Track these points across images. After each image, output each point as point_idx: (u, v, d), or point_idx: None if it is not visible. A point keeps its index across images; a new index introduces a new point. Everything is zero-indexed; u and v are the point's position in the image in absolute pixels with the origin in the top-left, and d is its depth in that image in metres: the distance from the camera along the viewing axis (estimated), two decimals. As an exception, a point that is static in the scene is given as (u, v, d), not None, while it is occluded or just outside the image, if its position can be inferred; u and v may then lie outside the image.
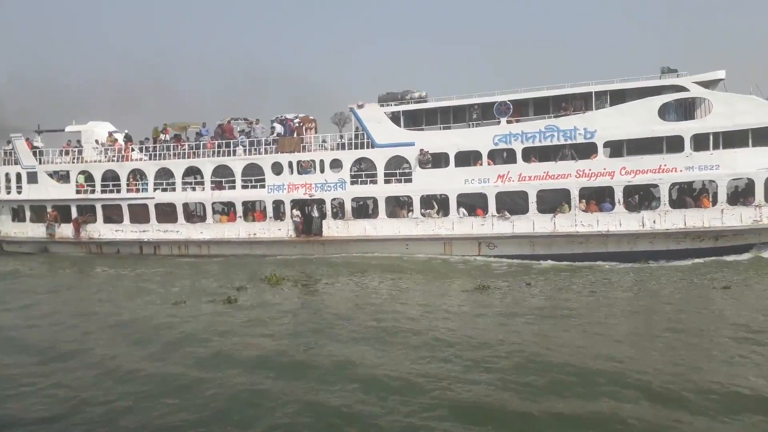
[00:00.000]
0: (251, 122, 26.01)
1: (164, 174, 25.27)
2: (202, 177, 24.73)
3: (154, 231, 25.07)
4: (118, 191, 25.75)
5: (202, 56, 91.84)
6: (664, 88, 19.90)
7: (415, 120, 22.73)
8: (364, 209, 23.30)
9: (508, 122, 21.11)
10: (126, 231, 25.52)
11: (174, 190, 24.97)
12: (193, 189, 24.97)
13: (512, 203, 20.95)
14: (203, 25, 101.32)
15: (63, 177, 27.35)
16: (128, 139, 27.31)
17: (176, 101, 71.92)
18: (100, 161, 26.64)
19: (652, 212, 19.74)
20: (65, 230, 26.62)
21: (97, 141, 27.42)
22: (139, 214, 25.36)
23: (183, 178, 24.92)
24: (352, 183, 22.69)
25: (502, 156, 21.38)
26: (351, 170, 22.72)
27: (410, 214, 22.06)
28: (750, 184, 19.04)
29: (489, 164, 21.24)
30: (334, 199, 22.98)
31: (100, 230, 25.99)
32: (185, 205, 24.86)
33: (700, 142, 19.41)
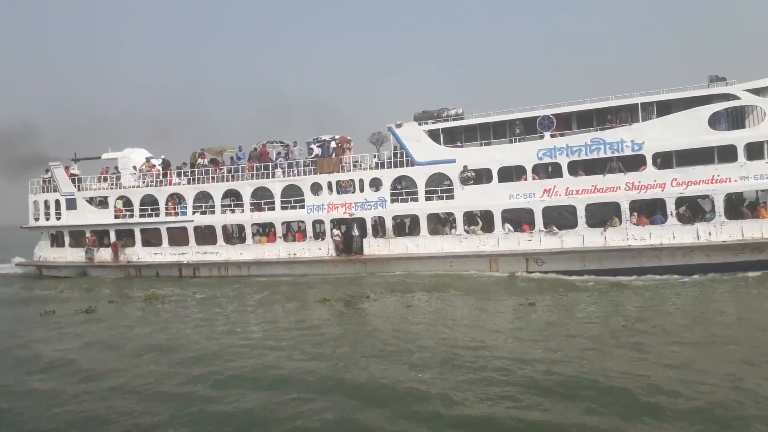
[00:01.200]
0: (287, 145, 26.11)
1: (203, 197, 25.35)
2: (241, 199, 24.76)
3: (193, 253, 25.04)
4: (157, 215, 25.86)
5: (229, 86, 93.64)
6: (714, 97, 19.48)
7: (453, 137, 22.56)
8: (404, 227, 22.96)
9: (552, 136, 20.81)
10: (165, 254, 25.53)
11: (213, 212, 24.99)
12: (233, 211, 24.96)
13: (559, 218, 20.51)
14: (229, 55, 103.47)
15: (101, 203, 27.64)
16: (166, 164, 27.52)
17: (206, 128, 73.16)
18: (138, 186, 26.85)
19: (706, 224, 19.13)
20: (104, 254, 26.74)
21: (134, 167, 27.72)
22: (178, 237, 25.41)
23: (222, 201, 24.95)
24: (392, 201, 22.46)
25: (546, 170, 21.03)
26: (391, 188, 22.52)
27: (453, 231, 21.70)
28: (808, 193, 18.40)
29: (534, 179, 20.88)
30: (374, 218, 22.75)
31: (139, 253, 26.04)
32: (224, 227, 24.83)
33: (754, 150, 18.87)
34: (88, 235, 27.11)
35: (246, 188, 24.60)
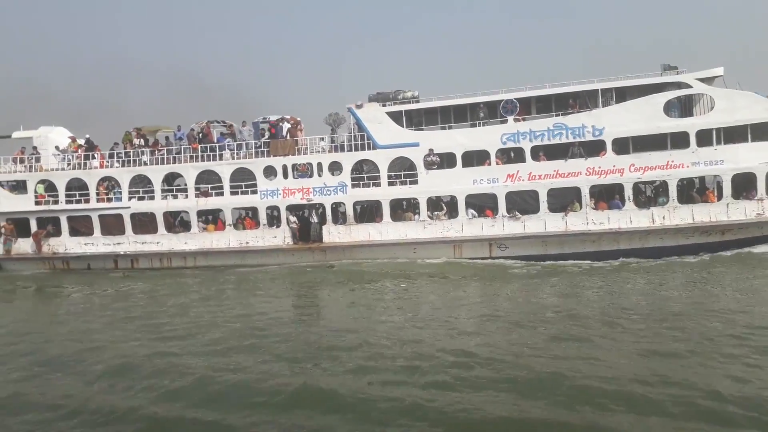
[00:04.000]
0: (230, 125, 24.41)
1: (140, 181, 23.14)
2: (184, 184, 22.86)
3: (130, 243, 22.86)
4: (87, 201, 23.33)
5: (142, 64, 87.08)
6: (667, 85, 20.16)
7: (414, 120, 21.96)
8: (366, 213, 22.17)
9: (515, 120, 20.74)
10: (98, 244, 23.14)
11: (152, 198, 22.89)
12: (175, 197, 22.99)
13: (523, 203, 20.57)
14: (142, 30, 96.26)
15: (16, 187, 24.54)
16: (91, 145, 24.80)
17: (122, 108, 67.72)
18: (62, 169, 24.08)
19: (661, 208, 19.89)
20: (23, 245, 23.84)
21: (57, 147, 24.83)
22: (112, 226, 23.07)
23: (163, 185, 22.91)
24: (354, 186, 21.58)
25: (509, 155, 20.97)
26: (352, 172, 21.61)
27: (416, 216, 21.21)
28: (752, 178, 19.53)
29: (497, 164, 20.77)
30: (334, 204, 21.77)
31: (66, 244, 23.43)
32: (166, 215, 22.83)
33: (704, 137, 19.74)
34: (2, 223, 24.02)
35: (190, 171, 22.69)
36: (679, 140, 19.90)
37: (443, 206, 21.18)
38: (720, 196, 19.62)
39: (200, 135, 23.59)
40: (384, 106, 21.72)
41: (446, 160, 21.13)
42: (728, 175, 19.43)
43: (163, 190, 22.87)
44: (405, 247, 20.98)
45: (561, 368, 8.38)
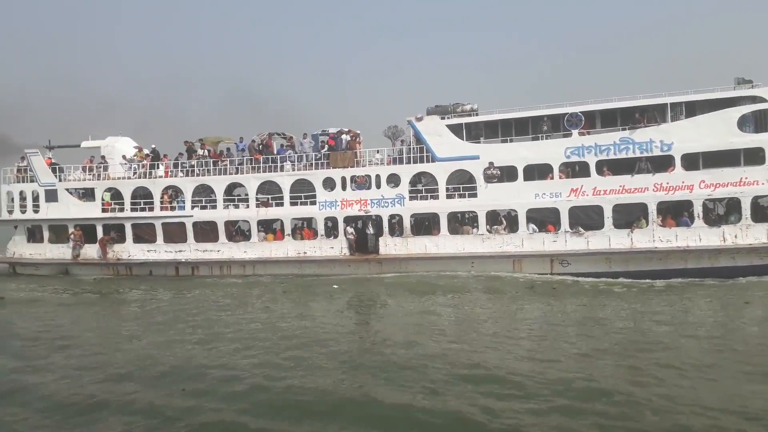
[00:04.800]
0: (290, 137, 24.84)
1: (203, 191, 23.75)
2: (246, 194, 23.34)
3: (191, 251, 23.42)
4: (151, 209, 24.08)
5: (203, 79, 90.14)
6: (740, 99, 19.44)
7: (473, 133, 21.84)
8: (422, 226, 22.09)
9: (580, 134, 20.37)
10: (159, 251, 23.80)
11: (214, 207, 23.44)
12: (236, 206, 23.47)
13: (586, 218, 20.10)
14: (200, 43, 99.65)
15: (85, 194, 25.57)
16: (156, 155, 25.66)
17: (181, 121, 70.06)
18: (128, 177, 24.96)
19: (733, 227, 19.09)
20: (89, 251, 24.75)
21: (124, 156, 25.79)
22: (175, 234, 23.73)
23: (224, 195, 23.45)
24: (411, 198, 21.56)
25: (573, 169, 20.58)
26: (410, 185, 21.61)
27: (475, 230, 21.00)
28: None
29: (560, 178, 20.40)
30: (391, 215, 21.79)
31: (130, 250, 24.19)
32: (227, 224, 23.32)
33: (780, 153, 18.91)
34: (72, 229, 25.01)
35: (252, 182, 23.16)
36: (754, 156, 19.11)
37: (503, 220, 20.89)
38: (799, 215, 18.71)
39: (261, 146, 24.09)
40: (443, 119, 21.69)
41: (507, 174, 20.89)
42: (808, 192, 18.53)
43: (224, 200, 23.39)
44: (462, 260, 20.75)
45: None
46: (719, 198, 19.56)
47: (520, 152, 20.70)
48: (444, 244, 21.07)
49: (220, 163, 23.79)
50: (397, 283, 19.63)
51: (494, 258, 20.53)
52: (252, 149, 24.06)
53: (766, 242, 18.79)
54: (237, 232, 23.86)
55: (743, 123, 19.26)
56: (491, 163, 20.69)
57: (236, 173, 23.58)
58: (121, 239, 24.40)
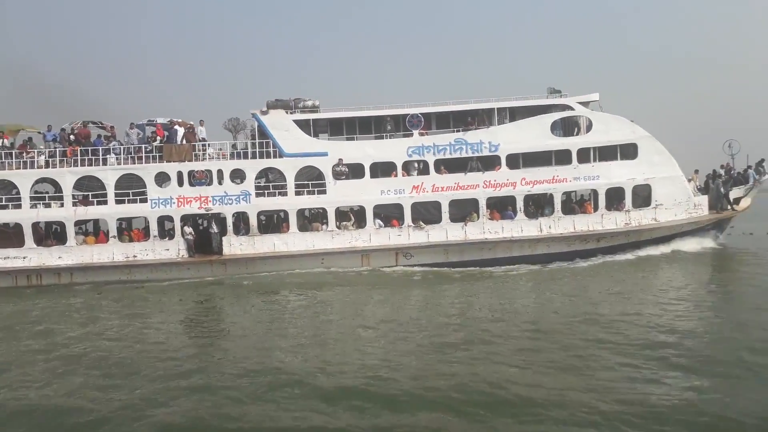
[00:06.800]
0: (112, 127, 22.23)
1: (3, 188, 20.04)
2: (59, 191, 20.26)
3: (-13, 259, 19.65)
4: (-70, 209, 19.64)
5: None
6: (553, 107, 22.23)
7: (318, 129, 21.75)
8: (270, 224, 21.37)
9: (420, 134, 21.46)
10: (-60, 261, 19.55)
11: (19, 206, 19.93)
12: (47, 205, 20.24)
13: (426, 213, 21.29)
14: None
15: None
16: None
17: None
18: None
19: (547, 219, 21.79)
20: None
21: None
22: (-37, 239, 19.68)
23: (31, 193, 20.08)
24: (258, 195, 20.73)
25: (414, 167, 21.61)
26: (255, 181, 20.76)
27: (324, 227, 20.95)
28: (621, 192, 22.17)
29: (403, 175, 21.29)
30: (236, 213, 20.70)
31: None
32: (35, 225, 20.01)
33: (583, 155, 22.03)
34: None
35: (67, 177, 20.16)
36: (563, 157, 22.00)
37: (351, 216, 21.17)
38: (596, 208, 22.02)
39: (75, 136, 21.09)
40: (288, 113, 21.21)
41: (353, 171, 21.19)
42: (603, 189, 21.88)
43: (31, 198, 20.05)
44: (312, 257, 20.59)
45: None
46: (536, 194, 22.13)
47: (366, 150, 21.14)
48: (293, 241, 20.66)
49: (25, 155, 20.26)
50: (240, 285, 18.73)
51: (344, 254, 20.72)
52: (64, 139, 20.95)
53: (573, 231, 21.79)
54: (48, 235, 20.63)
55: (554, 128, 22.05)
56: (340, 160, 20.80)
57: (46, 167, 20.33)
58: None
